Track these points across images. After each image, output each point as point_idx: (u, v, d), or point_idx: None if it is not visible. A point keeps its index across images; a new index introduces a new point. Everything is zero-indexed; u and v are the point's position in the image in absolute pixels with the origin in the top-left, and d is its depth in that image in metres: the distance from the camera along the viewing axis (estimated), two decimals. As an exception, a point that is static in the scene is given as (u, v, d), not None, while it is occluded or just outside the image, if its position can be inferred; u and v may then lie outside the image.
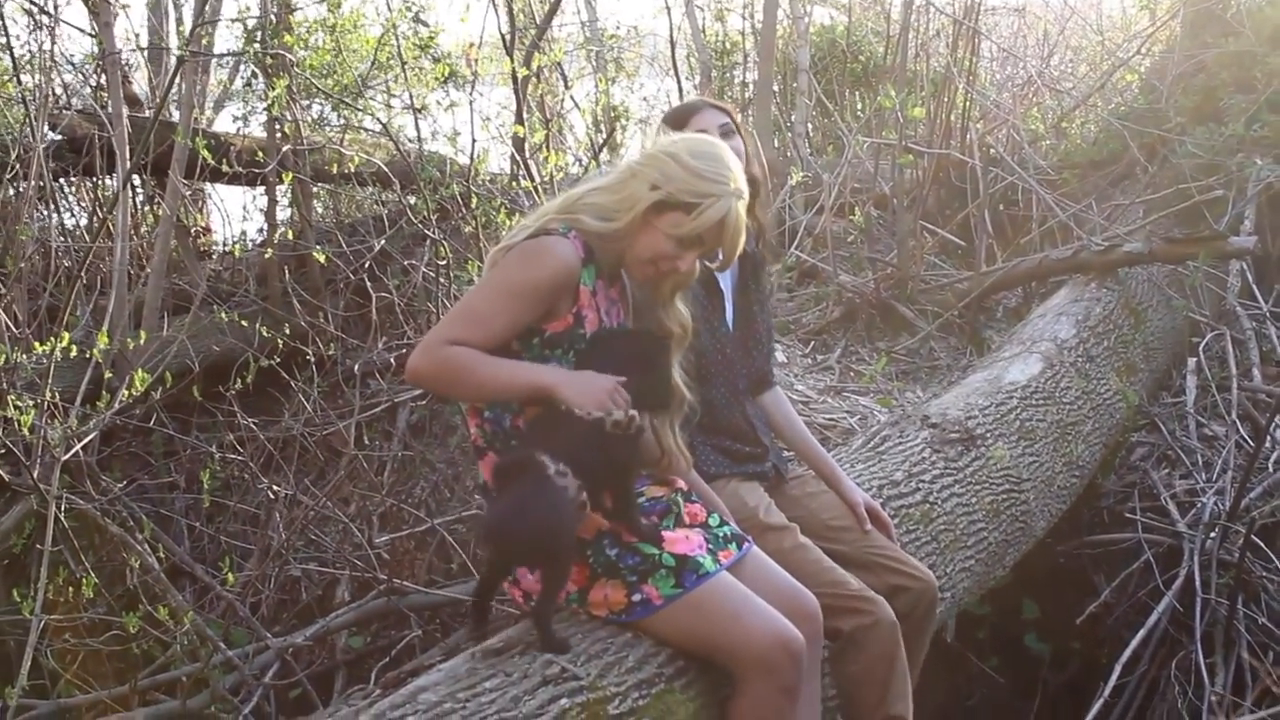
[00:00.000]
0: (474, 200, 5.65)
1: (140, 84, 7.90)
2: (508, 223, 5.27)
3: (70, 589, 4.13)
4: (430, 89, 6.76)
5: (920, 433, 3.92)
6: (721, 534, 2.60)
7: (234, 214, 7.80)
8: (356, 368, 5.93)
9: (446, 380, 2.44)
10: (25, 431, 3.92)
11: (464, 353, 2.38)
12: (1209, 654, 4.05)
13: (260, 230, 7.54)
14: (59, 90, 6.91)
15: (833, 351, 6.23)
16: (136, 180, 6.94)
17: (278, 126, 6.40)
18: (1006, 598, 4.55)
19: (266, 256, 6.39)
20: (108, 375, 4.49)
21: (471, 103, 5.91)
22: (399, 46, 6.41)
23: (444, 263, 5.67)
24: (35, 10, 6.14)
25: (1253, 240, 5.50)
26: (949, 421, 4.00)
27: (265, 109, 6.41)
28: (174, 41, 7.94)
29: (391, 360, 6.07)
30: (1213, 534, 4.29)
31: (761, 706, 2.42)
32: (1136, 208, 6.35)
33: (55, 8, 5.97)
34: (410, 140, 6.55)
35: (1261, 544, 4.25)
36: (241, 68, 8.44)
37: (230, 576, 4.42)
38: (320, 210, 8.11)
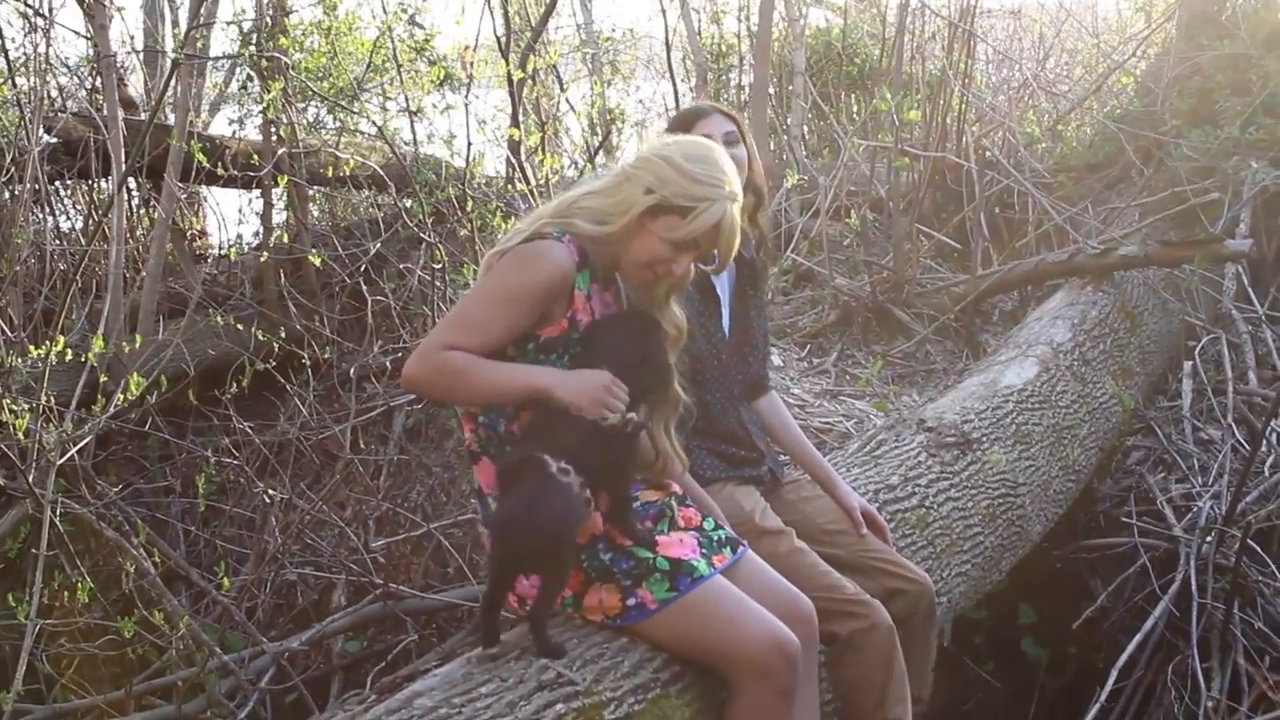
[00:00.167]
0: (470, 203, 5.65)
1: (135, 87, 7.89)
2: (503, 226, 5.27)
3: (66, 593, 4.13)
4: (426, 92, 6.76)
5: (916, 437, 3.92)
6: (716, 538, 2.60)
7: (229, 217, 7.79)
8: (352, 371, 5.92)
9: (444, 386, 2.44)
10: (20, 435, 3.91)
11: (460, 357, 2.38)
12: (1205, 659, 4.05)
13: (256, 233, 7.52)
14: (54, 93, 6.90)
15: (829, 355, 6.23)
16: (132, 183, 6.92)
17: (273, 129, 6.39)
18: (1003, 602, 4.54)
19: (262, 260, 6.38)
20: (103, 379, 4.48)
21: (467, 105, 5.92)
22: (394, 49, 6.42)
23: (440, 266, 5.67)
24: (30, 13, 6.13)
25: (1248, 243, 5.50)
26: (945, 425, 3.99)
27: (261, 112, 6.40)
28: (169, 44, 7.92)
29: (387, 364, 6.06)
30: (1209, 538, 4.29)
31: (758, 710, 2.42)
32: (1132, 211, 6.35)
33: (50, 10, 5.97)
34: (406, 143, 6.54)
35: (1258, 548, 4.24)
36: (237, 70, 8.44)
37: (226, 581, 4.42)
38: (316, 213, 8.09)
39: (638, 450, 2.55)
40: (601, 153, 7.68)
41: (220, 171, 5.64)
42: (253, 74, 6.79)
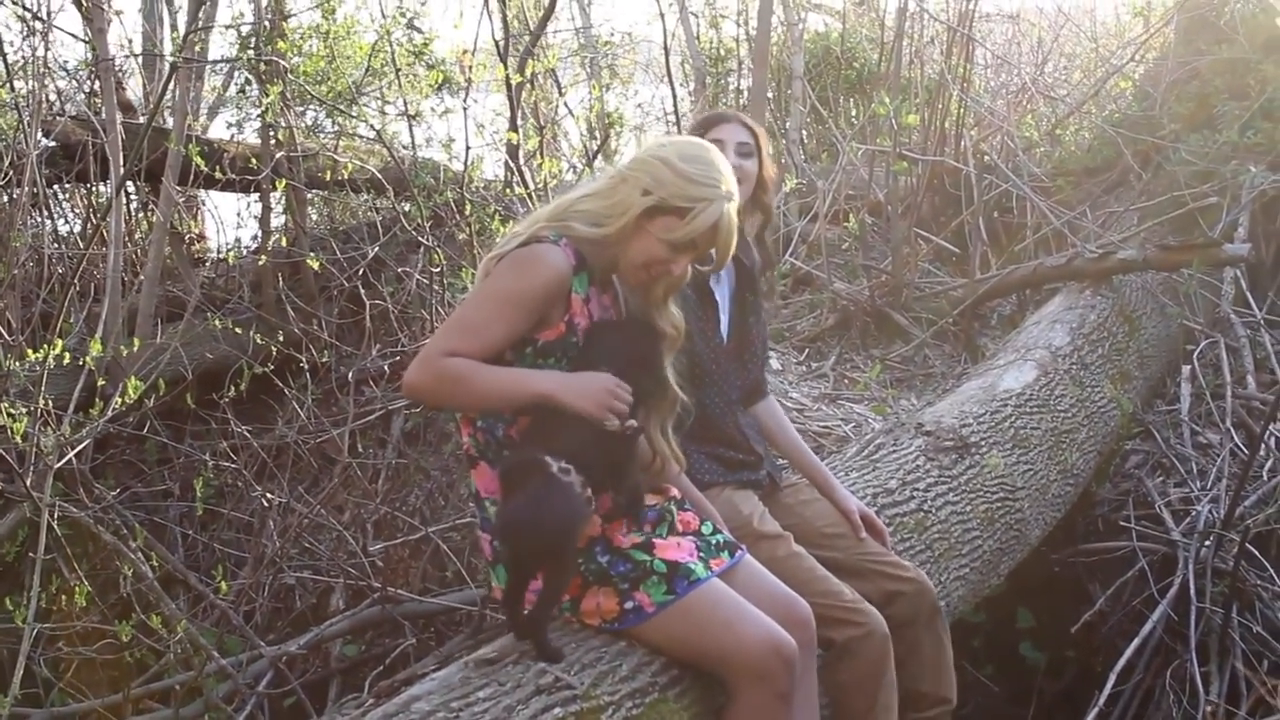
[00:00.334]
0: (468, 207, 5.65)
1: (134, 90, 7.88)
2: (502, 229, 5.26)
3: (63, 597, 4.13)
4: (424, 95, 6.75)
5: (915, 440, 3.92)
6: (714, 541, 2.60)
7: (228, 221, 7.77)
8: (350, 375, 5.91)
9: (446, 393, 2.43)
10: (18, 439, 3.90)
11: (461, 363, 2.37)
12: (1204, 663, 4.04)
13: (254, 237, 7.52)
14: (52, 96, 6.90)
15: (827, 359, 6.23)
16: (130, 187, 6.91)
17: (271, 133, 6.39)
18: (1001, 606, 4.54)
19: (260, 263, 6.39)
20: (101, 382, 4.47)
21: (465, 109, 5.91)
22: (393, 53, 6.41)
23: (438, 269, 5.67)
24: (29, 16, 6.13)
25: (1247, 247, 5.51)
26: (943, 429, 3.99)
27: (259, 115, 6.40)
28: (168, 48, 7.91)
29: (385, 368, 6.05)
30: (1208, 542, 4.28)
31: (755, 713, 2.42)
32: (1131, 215, 6.35)
33: (49, 14, 5.97)
34: (404, 147, 6.54)
35: (1256, 553, 4.24)
36: (235, 74, 8.42)
37: (224, 585, 4.42)
38: (314, 217, 8.09)
39: (638, 451, 2.56)
40: (600, 157, 7.68)
41: (218, 175, 5.64)
42: (251, 78, 6.79)
